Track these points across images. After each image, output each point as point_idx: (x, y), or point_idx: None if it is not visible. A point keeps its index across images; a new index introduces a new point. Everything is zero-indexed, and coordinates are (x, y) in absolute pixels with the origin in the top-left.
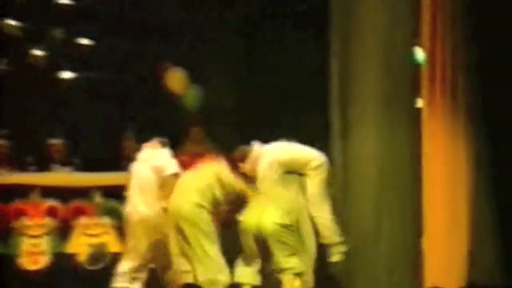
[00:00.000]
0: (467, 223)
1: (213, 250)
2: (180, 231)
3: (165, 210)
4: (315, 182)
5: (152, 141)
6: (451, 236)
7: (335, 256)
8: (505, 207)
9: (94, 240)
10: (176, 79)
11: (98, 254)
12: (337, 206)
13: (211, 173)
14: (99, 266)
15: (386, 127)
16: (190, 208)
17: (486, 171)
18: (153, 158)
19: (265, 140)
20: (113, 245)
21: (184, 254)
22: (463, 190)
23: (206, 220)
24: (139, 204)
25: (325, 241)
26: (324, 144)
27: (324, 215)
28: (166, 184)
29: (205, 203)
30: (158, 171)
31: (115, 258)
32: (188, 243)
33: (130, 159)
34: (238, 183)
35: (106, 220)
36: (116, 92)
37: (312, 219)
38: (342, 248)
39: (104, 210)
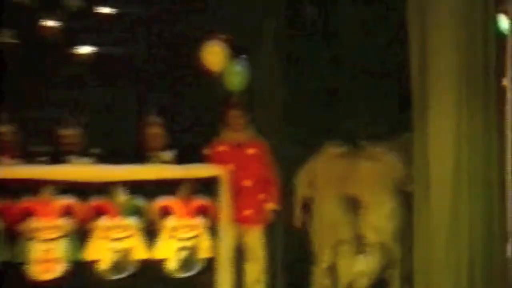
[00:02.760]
0: None
1: None
2: None
3: None
4: None
5: None
6: None
7: None
8: None
9: (118, 245)
10: (215, 53)
11: (122, 261)
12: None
13: None
14: (123, 275)
15: (466, 110)
16: None
17: None
18: None
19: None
20: (139, 251)
21: None
22: None
23: None
24: None
25: None
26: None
27: None
28: None
29: None
30: None
31: (142, 265)
32: None
33: (155, 148)
34: None
35: (131, 221)
36: (140, 70)
37: None
38: None
39: (129, 209)
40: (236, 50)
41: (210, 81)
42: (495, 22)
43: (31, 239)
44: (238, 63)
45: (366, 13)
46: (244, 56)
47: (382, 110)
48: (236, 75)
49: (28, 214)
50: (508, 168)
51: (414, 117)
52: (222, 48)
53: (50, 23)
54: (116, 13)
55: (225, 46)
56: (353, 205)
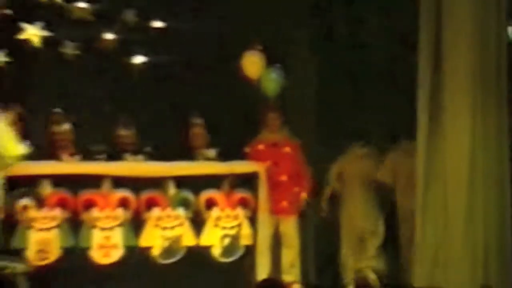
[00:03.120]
0: None
1: None
2: None
3: None
4: None
5: None
6: None
7: None
8: None
9: (168, 233)
10: (253, 63)
11: (172, 247)
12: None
13: None
14: (173, 260)
15: (480, 115)
16: None
17: None
18: None
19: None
20: (187, 238)
21: None
22: None
23: None
24: None
25: None
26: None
27: None
28: None
29: None
30: None
31: (189, 251)
32: None
33: (200, 147)
34: None
35: (180, 212)
36: (187, 78)
37: None
38: None
39: (178, 201)
40: (271, 59)
41: (250, 87)
42: (507, 29)
43: (92, 227)
44: (273, 71)
45: (384, 22)
46: (278, 65)
47: (397, 115)
48: (271, 82)
49: (89, 205)
50: None
51: (426, 119)
52: (260, 57)
53: (109, 36)
54: (166, 27)
55: (262, 56)
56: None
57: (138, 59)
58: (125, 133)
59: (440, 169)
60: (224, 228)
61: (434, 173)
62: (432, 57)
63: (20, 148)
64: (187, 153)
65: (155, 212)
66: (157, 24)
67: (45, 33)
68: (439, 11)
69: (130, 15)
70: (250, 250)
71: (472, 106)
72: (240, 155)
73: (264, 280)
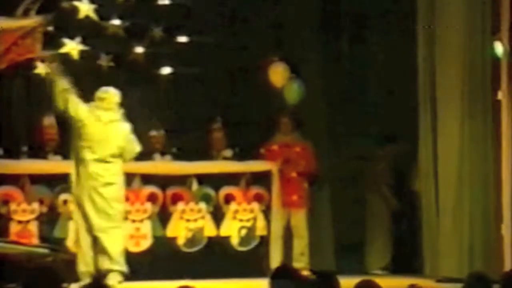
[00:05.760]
0: None
1: None
2: None
3: None
4: None
5: None
6: None
7: None
8: None
9: (191, 225)
10: (279, 73)
11: (195, 237)
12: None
13: None
14: (196, 248)
15: (468, 120)
16: None
17: None
18: None
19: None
20: (208, 229)
21: None
22: None
23: None
24: None
25: None
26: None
27: None
28: None
29: None
30: None
31: (210, 241)
32: None
33: (219, 148)
34: None
35: (202, 206)
36: (208, 86)
37: None
38: None
39: (200, 196)
40: (292, 70)
41: (266, 95)
42: (492, 47)
43: (124, 219)
44: (296, 81)
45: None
46: (295, 75)
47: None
48: (294, 91)
49: (124, 200)
50: (503, 165)
51: (423, 125)
52: (284, 68)
53: (139, 49)
54: (190, 40)
55: (286, 66)
56: None
57: (165, 70)
58: (155, 135)
59: (431, 170)
60: (241, 220)
61: (426, 173)
62: (428, 73)
63: (137, 147)
64: (208, 154)
65: (180, 206)
66: (182, 38)
67: (83, 47)
68: (433, 40)
69: (157, 31)
70: (264, 240)
71: (462, 115)
72: (255, 155)
73: (278, 267)
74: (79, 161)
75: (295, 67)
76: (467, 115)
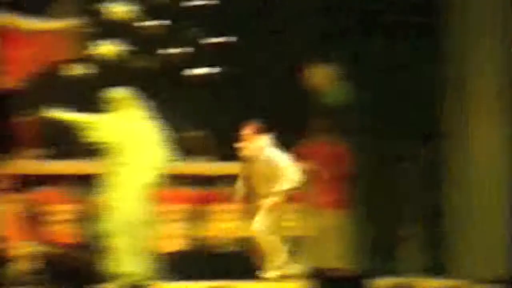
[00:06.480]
0: None
1: None
2: None
3: None
4: None
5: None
6: None
7: None
8: None
9: (227, 225)
10: (322, 75)
11: (230, 237)
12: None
13: None
14: (230, 249)
15: (501, 123)
16: None
17: None
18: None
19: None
20: (242, 230)
21: None
22: None
23: None
24: None
25: None
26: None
27: None
28: None
29: None
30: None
31: (243, 241)
32: None
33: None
34: None
35: (238, 206)
36: (243, 86)
37: None
38: None
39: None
40: (334, 72)
41: (306, 97)
42: None
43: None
44: (341, 84)
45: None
46: (339, 77)
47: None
48: (338, 94)
49: (159, 200)
50: None
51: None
52: (330, 71)
53: (174, 50)
54: (226, 42)
55: (333, 70)
56: None
57: (199, 70)
58: (193, 136)
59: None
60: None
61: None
62: (461, 76)
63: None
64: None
65: (215, 206)
66: (217, 39)
67: (121, 48)
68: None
69: (193, 32)
70: (300, 241)
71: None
72: (293, 156)
73: (315, 268)
74: (116, 163)
75: (337, 69)
76: (502, 119)
